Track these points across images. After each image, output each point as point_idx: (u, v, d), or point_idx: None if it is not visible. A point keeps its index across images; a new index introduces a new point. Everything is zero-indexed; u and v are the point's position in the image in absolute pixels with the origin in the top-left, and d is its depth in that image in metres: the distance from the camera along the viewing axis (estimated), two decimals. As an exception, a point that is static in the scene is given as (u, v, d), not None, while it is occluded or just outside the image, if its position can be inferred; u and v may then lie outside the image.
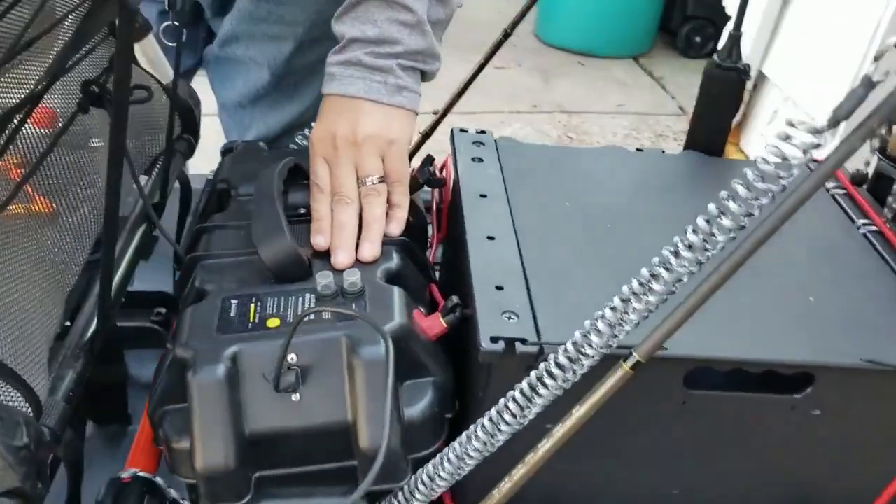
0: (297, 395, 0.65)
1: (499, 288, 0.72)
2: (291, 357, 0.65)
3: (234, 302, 0.70)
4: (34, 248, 0.76)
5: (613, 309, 0.56)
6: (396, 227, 0.81)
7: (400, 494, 0.67)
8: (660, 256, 0.54)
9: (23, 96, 0.68)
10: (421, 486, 0.66)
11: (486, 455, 0.64)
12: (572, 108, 3.33)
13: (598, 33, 3.81)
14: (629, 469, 0.76)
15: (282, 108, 1.29)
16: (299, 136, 1.10)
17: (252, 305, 0.70)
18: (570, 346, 0.59)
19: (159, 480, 0.72)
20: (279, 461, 0.67)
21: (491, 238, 0.79)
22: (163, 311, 0.93)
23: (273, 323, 0.68)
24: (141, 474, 0.72)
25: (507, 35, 1.05)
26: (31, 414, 0.59)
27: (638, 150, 1.01)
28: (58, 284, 0.75)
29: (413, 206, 0.93)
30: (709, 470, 0.77)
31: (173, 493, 0.71)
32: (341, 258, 0.75)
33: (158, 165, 0.94)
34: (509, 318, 0.68)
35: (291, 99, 1.28)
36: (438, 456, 0.66)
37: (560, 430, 0.57)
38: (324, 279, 0.70)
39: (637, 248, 0.80)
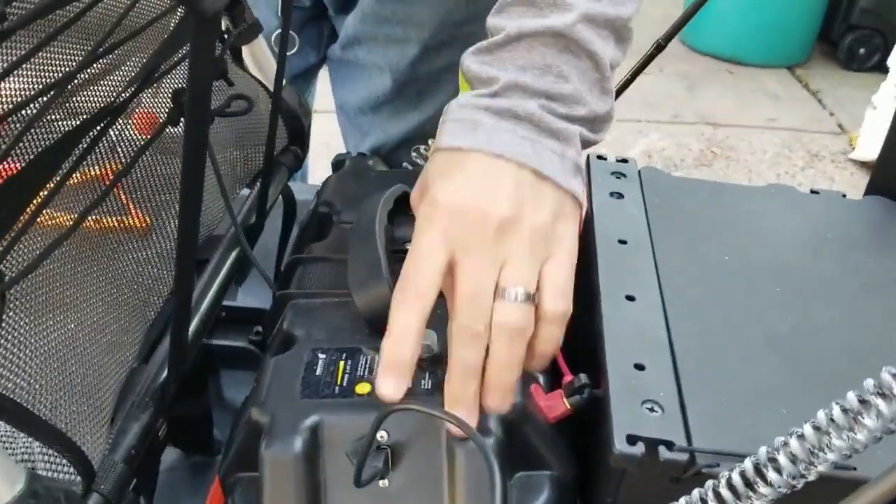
0: (386, 481, 0.54)
1: (638, 367, 0.58)
2: (381, 435, 0.54)
3: (321, 357, 0.60)
4: (121, 271, 0.69)
5: (801, 437, 0.41)
6: (539, 364, 0.56)
7: None
8: (875, 380, 0.39)
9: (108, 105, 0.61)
10: None
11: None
12: (718, 120, 3.09)
13: (750, 40, 3.53)
14: None
15: (403, 116, 1.20)
16: (415, 153, 1.01)
17: (341, 363, 0.59)
18: (748, 465, 0.45)
19: (227, 552, 0.64)
20: (362, 553, 0.56)
21: (630, 298, 0.65)
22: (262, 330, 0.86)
23: (363, 389, 0.57)
24: (209, 542, 0.63)
25: (660, 48, 0.91)
26: (81, 481, 0.51)
27: (813, 192, 0.84)
28: (139, 317, 0.68)
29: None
30: None
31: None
32: (461, 413, 0.52)
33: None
34: (651, 409, 0.55)
35: (414, 108, 1.19)
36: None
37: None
38: (425, 339, 0.58)
39: (814, 326, 0.65)
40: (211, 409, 0.85)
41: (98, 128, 0.60)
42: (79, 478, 0.51)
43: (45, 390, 0.51)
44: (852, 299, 0.69)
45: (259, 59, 0.89)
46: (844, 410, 0.39)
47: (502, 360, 0.52)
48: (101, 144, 0.68)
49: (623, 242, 0.72)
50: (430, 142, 1.01)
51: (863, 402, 0.38)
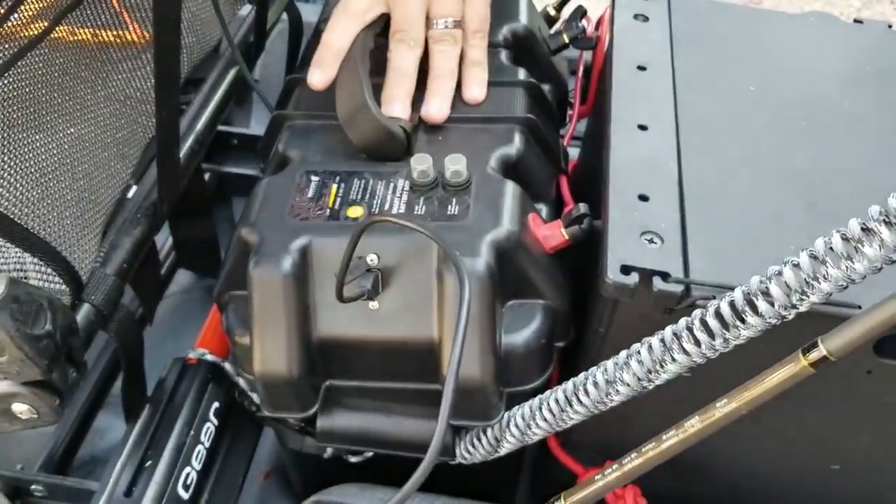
0: (375, 303, 0.54)
1: (643, 198, 0.55)
2: (371, 258, 0.53)
3: (314, 179, 0.58)
4: (119, 86, 0.66)
5: (797, 266, 0.39)
6: (479, 91, 0.66)
7: (489, 433, 0.56)
8: (880, 205, 0.36)
9: None
10: (514, 430, 0.55)
11: (597, 412, 0.51)
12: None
13: None
14: (787, 442, 0.61)
15: None
16: None
17: (334, 186, 0.57)
18: (738, 295, 0.43)
19: (227, 367, 0.65)
20: (353, 372, 0.57)
21: (643, 128, 0.61)
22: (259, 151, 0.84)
23: (355, 212, 0.56)
24: (208, 357, 0.65)
25: None
26: (69, 292, 0.51)
27: (856, 21, 0.78)
28: (137, 133, 0.66)
29: (552, 71, 0.76)
30: (881, 446, 0.61)
31: (242, 382, 0.64)
32: (396, 109, 0.62)
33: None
34: (651, 240, 0.53)
35: None
36: (538, 399, 0.54)
37: (696, 425, 0.43)
38: (420, 164, 0.56)
39: (839, 165, 0.61)
40: (216, 231, 0.85)
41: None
42: (68, 288, 0.51)
43: (33, 202, 0.51)
44: (883, 137, 0.64)
45: None
46: (845, 238, 0.36)
47: (439, 67, 0.65)
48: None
49: (642, 69, 0.67)
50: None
51: (865, 229, 0.35)
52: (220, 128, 0.78)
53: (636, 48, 0.69)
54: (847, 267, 0.35)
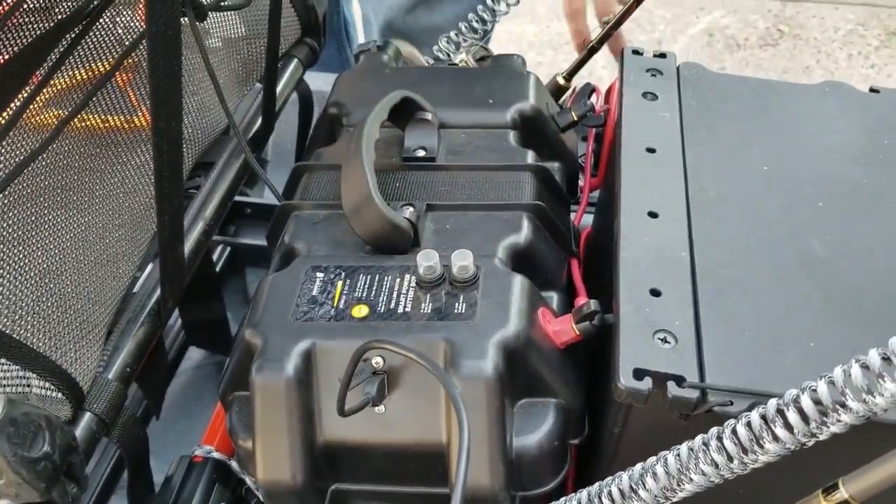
0: (382, 406, 0.52)
1: (654, 293, 0.54)
2: (377, 361, 0.52)
3: (319, 276, 0.57)
4: (128, 175, 0.66)
5: (847, 374, 0.36)
6: None
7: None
8: None
9: None
10: (525, 538, 0.53)
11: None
12: (787, -5, 2.86)
13: None
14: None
15: None
16: (444, 40, 0.94)
17: (339, 283, 0.57)
18: (771, 407, 0.40)
19: (234, 465, 0.64)
20: (360, 476, 0.55)
21: (653, 215, 0.60)
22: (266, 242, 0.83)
23: (360, 311, 0.54)
24: (215, 455, 0.63)
25: None
26: (70, 403, 0.50)
27: (872, 90, 0.76)
28: (145, 225, 0.65)
29: (562, 149, 0.76)
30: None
31: (249, 481, 0.62)
32: None
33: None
34: (664, 339, 0.51)
35: None
36: (549, 507, 0.52)
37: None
38: (426, 260, 0.55)
39: (857, 249, 0.59)
40: (225, 311, 0.85)
41: (80, 27, 0.57)
42: (67, 401, 0.50)
43: (32, 308, 0.50)
44: (904, 217, 0.62)
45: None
46: (865, 367, 0.34)
47: None
48: (108, 38, 0.64)
49: (651, 151, 0.66)
50: (462, 27, 0.94)
51: (886, 359, 0.33)
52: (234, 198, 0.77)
53: (645, 129, 0.68)
54: (867, 400, 0.34)
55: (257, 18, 0.80)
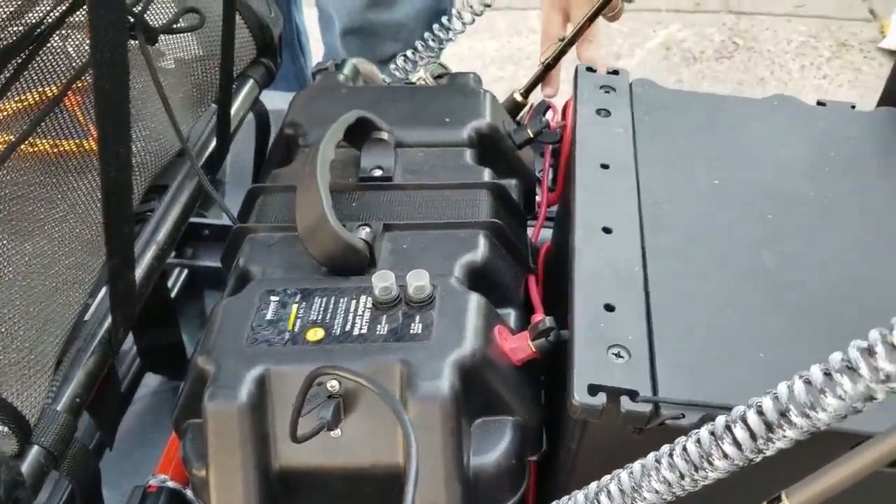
0: (338, 430, 0.52)
1: (608, 308, 0.54)
2: (332, 385, 0.51)
3: (273, 300, 0.57)
4: (78, 199, 0.65)
5: (790, 390, 0.37)
6: None
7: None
8: (843, 353, 0.34)
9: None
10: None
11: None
12: (743, 8, 2.92)
13: (780, -82, 3.28)
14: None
15: None
16: (402, 59, 0.94)
17: (294, 307, 0.56)
18: (719, 424, 0.41)
19: (189, 494, 0.63)
20: (317, 501, 0.55)
21: (607, 230, 0.61)
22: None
23: (315, 335, 0.54)
24: (169, 484, 0.62)
25: None
26: (16, 437, 0.49)
27: (819, 103, 0.78)
28: (96, 250, 0.64)
29: (519, 166, 0.76)
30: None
31: (205, 509, 0.61)
32: None
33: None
34: (618, 355, 0.51)
35: None
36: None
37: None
38: (382, 281, 0.55)
39: (806, 260, 0.60)
40: (181, 336, 0.83)
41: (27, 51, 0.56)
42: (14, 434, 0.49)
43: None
44: (852, 227, 0.64)
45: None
46: (808, 383, 0.35)
47: None
48: (58, 61, 0.63)
49: (605, 167, 0.67)
50: (418, 45, 0.95)
51: (827, 374, 0.34)
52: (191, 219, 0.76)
53: (599, 145, 0.69)
54: (810, 415, 0.34)
55: (211, 39, 0.79)
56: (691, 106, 0.76)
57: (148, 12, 0.70)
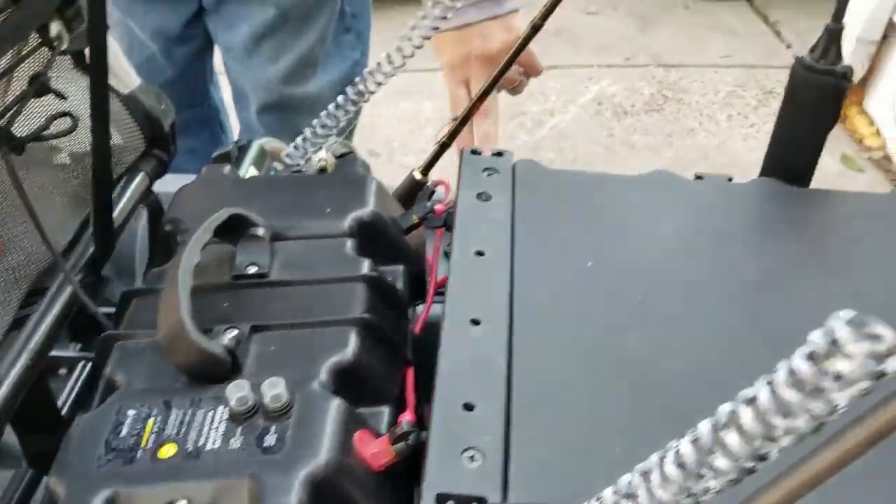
0: (190, 553, 0.50)
1: (468, 407, 0.54)
2: (182, 503, 0.50)
3: (130, 414, 0.55)
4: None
5: (630, 497, 0.36)
6: None
7: None
8: (732, 405, 0.34)
9: None
10: None
11: None
12: (671, 61, 3.01)
13: (705, -29, 3.41)
14: None
15: (289, 47, 1.31)
16: (300, 139, 0.94)
17: (150, 421, 0.55)
18: None
19: None
20: None
21: (476, 322, 0.61)
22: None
23: (167, 452, 0.53)
24: None
25: (536, 29, 0.83)
26: None
27: (697, 177, 0.80)
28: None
29: (405, 252, 0.76)
30: None
31: None
32: None
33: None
34: (472, 458, 0.51)
35: (297, 36, 1.30)
36: None
37: None
38: (237, 391, 0.54)
39: (676, 342, 0.61)
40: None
41: None
42: None
43: None
44: (714, 309, 0.64)
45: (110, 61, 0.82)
46: (681, 466, 0.34)
47: None
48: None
49: (480, 254, 0.67)
50: (316, 124, 0.95)
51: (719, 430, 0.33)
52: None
53: (476, 231, 0.70)
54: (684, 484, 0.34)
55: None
56: (572, 186, 0.77)
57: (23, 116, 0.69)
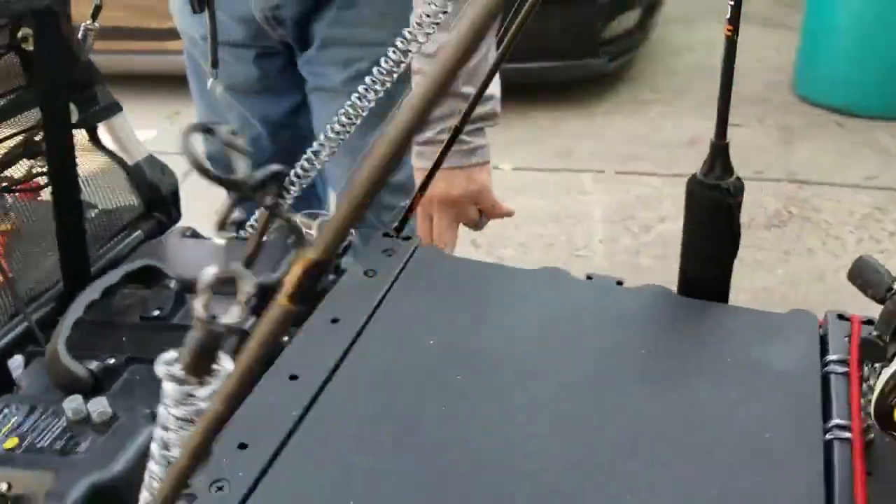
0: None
1: (242, 446, 0.62)
2: (3, 486, 0.62)
3: (6, 410, 0.69)
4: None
5: None
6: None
7: None
8: None
9: None
10: None
11: None
12: (808, 177, 2.89)
13: (863, 87, 3.27)
14: None
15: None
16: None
17: (14, 418, 0.68)
18: None
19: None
20: None
21: (293, 377, 0.69)
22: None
23: (10, 444, 0.66)
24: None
25: (457, 131, 0.90)
26: None
27: (588, 277, 0.82)
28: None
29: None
30: None
31: None
32: None
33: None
34: (219, 488, 0.59)
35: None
36: None
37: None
38: (72, 403, 0.66)
39: (470, 427, 0.63)
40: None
41: None
42: None
43: None
44: (538, 400, 0.66)
45: (118, 134, 1.01)
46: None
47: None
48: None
49: (335, 321, 0.74)
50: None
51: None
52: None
53: (342, 302, 0.75)
54: None
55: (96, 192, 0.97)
56: (460, 274, 0.83)
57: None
